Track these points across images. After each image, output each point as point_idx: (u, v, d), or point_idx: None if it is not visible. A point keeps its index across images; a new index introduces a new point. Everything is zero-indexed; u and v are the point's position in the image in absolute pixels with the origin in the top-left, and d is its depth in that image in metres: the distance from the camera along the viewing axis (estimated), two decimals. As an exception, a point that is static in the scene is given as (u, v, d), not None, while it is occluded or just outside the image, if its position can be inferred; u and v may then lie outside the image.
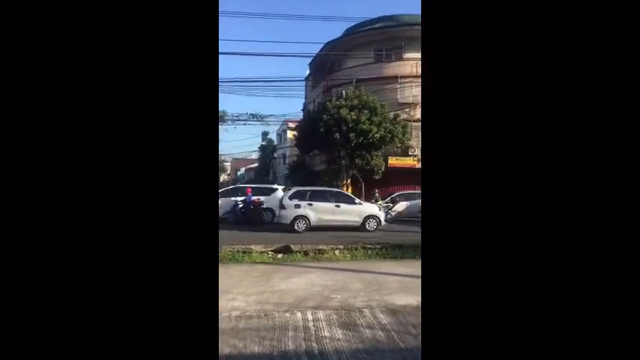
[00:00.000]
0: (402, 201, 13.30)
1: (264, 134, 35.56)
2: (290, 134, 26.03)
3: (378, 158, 15.45)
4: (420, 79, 17.77)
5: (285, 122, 29.10)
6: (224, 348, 2.71)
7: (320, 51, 19.87)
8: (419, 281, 4.71)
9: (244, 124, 22.41)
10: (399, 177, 17.39)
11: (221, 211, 11.10)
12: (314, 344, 2.87)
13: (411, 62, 17.85)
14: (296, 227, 9.55)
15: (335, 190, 11.47)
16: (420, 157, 17.82)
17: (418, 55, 17.94)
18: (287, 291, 4.39)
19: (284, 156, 29.62)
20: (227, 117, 21.42)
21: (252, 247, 6.90)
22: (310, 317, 3.47)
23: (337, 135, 14.48)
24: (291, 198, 9.87)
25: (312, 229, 9.67)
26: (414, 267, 5.57)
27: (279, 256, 6.73)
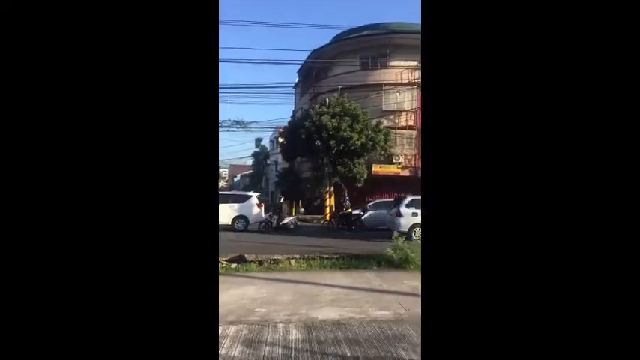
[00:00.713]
0: (374, 210, 13.17)
1: (258, 141, 35.59)
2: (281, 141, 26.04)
3: (360, 166, 15.35)
4: (404, 87, 17.88)
5: (277, 129, 29.13)
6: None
7: (307, 58, 19.90)
8: (355, 293, 4.52)
9: (227, 131, 22.37)
10: (384, 184, 17.28)
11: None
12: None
13: (396, 70, 17.85)
14: (413, 235, 9.26)
15: None
16: (404, 164, 17.73)
17: (403, 62, 17.93)
18: (214, 303, 4.24)
19: (276, 163, 29.58)
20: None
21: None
22: (219, 332, 3.33)
23: (318, 142, 14.42)
24: (408, 206, 9.87)
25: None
26: (360, 278, 5.44)
27: (233, 265, 6.59)
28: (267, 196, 29.14)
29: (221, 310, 3.95)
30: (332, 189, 15.98)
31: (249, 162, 39.24)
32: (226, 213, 11.45)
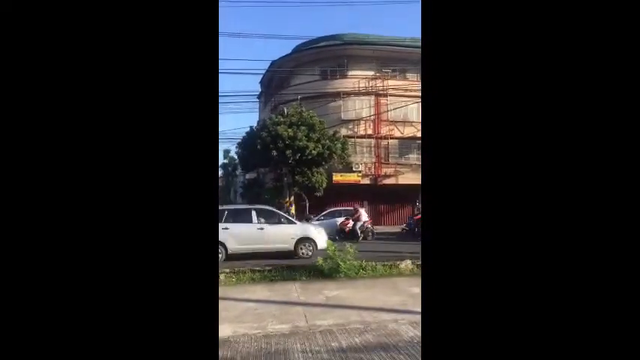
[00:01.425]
0: (329, 218, 13.15)
1: (226, 152, 35.15)
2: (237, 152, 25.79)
3: (319, 175, 15.32)
4: (363, 96, 18.14)
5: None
6: None
7: (268, 68, 19.89)
8: (265, 307, 4.36)
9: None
10: (345, 193, 17.32)
11: None
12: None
13: (354, 79, 18.06)
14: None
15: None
16: (364, 172, 17.85)
17: (361, 72, 18.21)
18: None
19: (244, 174, 29.22)
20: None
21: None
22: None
23: (274, 152, 14.32)
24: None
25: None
26: (282, 290, 5.32)
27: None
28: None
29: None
30: (292, 199, 15.85)
31: (220, 173, 38.62)
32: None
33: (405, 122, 18.35)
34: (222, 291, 5.56)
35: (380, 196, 17.51)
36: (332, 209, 14.13)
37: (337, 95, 17.82)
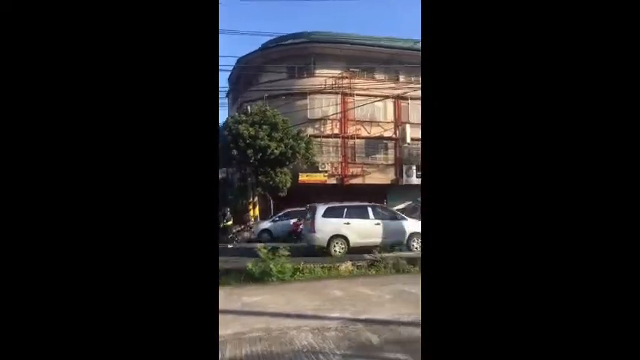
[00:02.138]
0: (285, 219, 13.01)
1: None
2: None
3: (283, 175, 15.11)
4: (330, 95, 18.03)
5: (215, 138, 28.33)
6: None
7: (235, 65, 19.55)
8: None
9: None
10: (311, 193, 17.17)
11: None
12: None
13: (321, 78, 17.92)
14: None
15: None
16: (330, 172, 17.74)
17: (328, 71, 18.09)
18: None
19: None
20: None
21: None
22: None
23: (235, 151, 14.04)
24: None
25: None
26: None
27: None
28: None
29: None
30: (255, 199, 15.59)
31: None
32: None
33: (372, 122, 18.33)
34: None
35: (347, 195, 17.33)
36: (288, 210, 13.97)
37: (304, 94, 17.64)
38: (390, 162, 18.66)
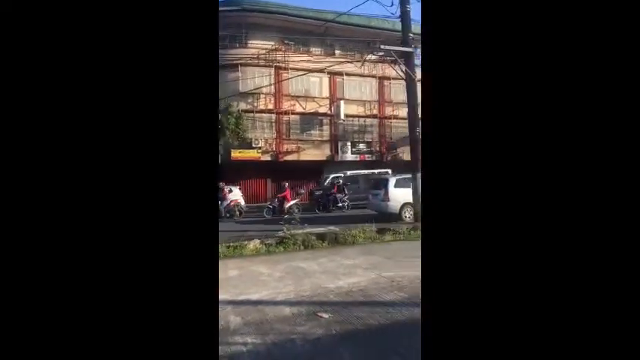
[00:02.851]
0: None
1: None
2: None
3: (212, 151, 14.43)
4: (262, 68, 17.32)
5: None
6: None
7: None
8: None
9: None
10: (247, 170, 16.68)
11: None
12: None
13: (254, 50, 17.11)
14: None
15: None
16: (264, 148, 17.29)
17: (262, 42, 17.29)
18: None
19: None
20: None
21: None
22: None
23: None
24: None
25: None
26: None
27: None
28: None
29: None
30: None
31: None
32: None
33: (307, 97, 17.99)
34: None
35: (281, 172, 17.11)
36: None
37: (235, 65, 16.75)
38: (325, 138, 18.56)
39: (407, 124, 20.40)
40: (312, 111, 17.77)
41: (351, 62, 16.77)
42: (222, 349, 2.50)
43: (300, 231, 7.03)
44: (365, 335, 2.79)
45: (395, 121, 19.58)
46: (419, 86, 8.07)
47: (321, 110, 18.17)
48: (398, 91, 20.36)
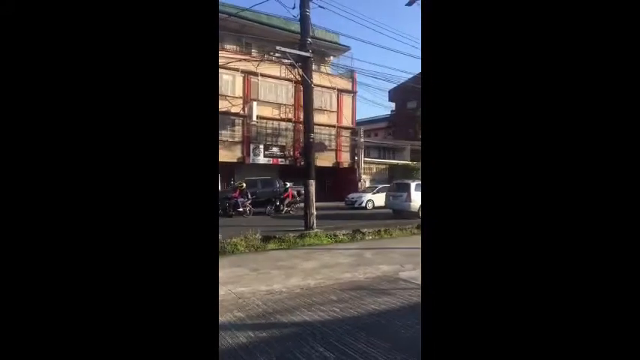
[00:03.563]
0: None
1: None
2: None
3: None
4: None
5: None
6: None
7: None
8: None
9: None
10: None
11: None
12: None
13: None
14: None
15: None
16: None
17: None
18: None
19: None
20: None
21: None
22: None
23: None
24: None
25: None
26: None
27: None
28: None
29: None
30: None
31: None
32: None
33: (219, 95, 17.17)
34: None
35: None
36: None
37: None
38: (237, 139, 17.88)
39: (321, 130, 20.83)
40: (223, 110, 16.96)
41: (247, 61, 16.38)
42: None
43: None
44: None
45: (310, 126, 19.59)
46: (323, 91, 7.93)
47: (234, 110, 17.47)
48: (315, 97, 20.54)
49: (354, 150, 21.50)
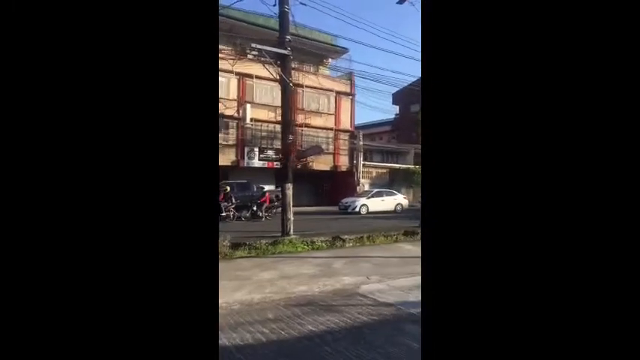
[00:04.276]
0: None
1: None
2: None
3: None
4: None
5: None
6: None
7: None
8: None
9: None
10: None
11: None
12: None
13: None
14: None
15: None
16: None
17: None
18: None
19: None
20: None
21: None
22: None
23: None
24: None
25: None
26: None
27: None
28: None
29: None
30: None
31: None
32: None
33: (213, 98, 16.97)
34: None
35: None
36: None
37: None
38: (231, 142, 17.61)
39: (319, 133, 20.50)
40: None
41: (223, 59, 16.07)
42: None
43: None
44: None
45: (307, 129, 19.28)
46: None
47: (227, 112, 17.22)
48: (312, 99, 20.24)
49: (352, 153, 21.07)
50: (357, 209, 15.65)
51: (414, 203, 19.00)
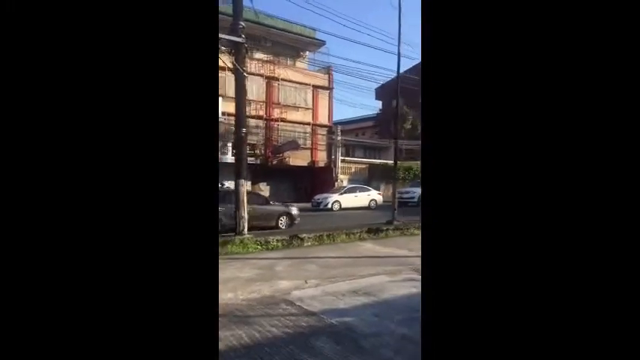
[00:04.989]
0: None
1: None
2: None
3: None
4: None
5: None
6: None
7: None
8: None
9: None
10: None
11: None
12: None
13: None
14: None
15: None
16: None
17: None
18: None
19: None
20: None
21: None
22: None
23: None
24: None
25: None
26: None
27: None
28: None
29: None
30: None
31: None
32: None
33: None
34: None
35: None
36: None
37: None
38: (202, 137, 17.05)
39: (295, 128, 20.05)
40: (187, 106, 16.15)
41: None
42: None
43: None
44: None
45: (283, 124, 18.83)
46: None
47: (199, 106, 16.65)
48: (289, 93, 19.76)
49: (331, 149, 20.68)
50: (329, 206, 15.30)
51: (388, 199, 18.75)
